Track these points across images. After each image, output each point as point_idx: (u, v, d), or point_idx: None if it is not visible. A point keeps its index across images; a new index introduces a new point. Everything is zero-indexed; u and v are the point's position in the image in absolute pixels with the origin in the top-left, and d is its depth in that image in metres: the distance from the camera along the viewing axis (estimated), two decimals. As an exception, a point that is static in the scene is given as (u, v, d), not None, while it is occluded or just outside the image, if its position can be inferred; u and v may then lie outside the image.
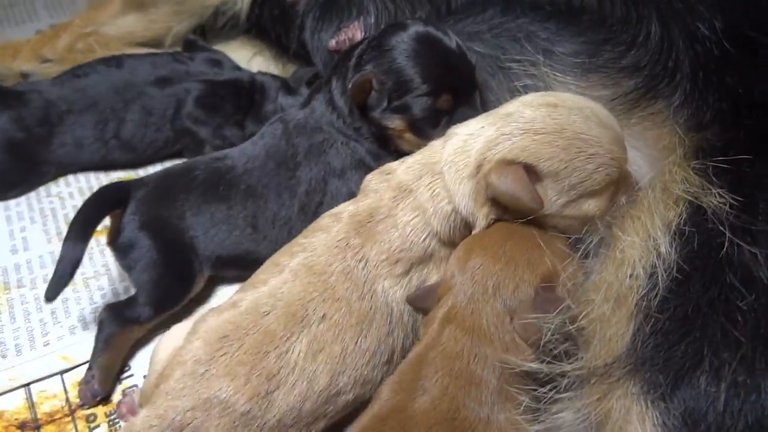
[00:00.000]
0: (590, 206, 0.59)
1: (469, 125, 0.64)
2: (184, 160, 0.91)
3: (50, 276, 0.80)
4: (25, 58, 1.05)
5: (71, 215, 0.90)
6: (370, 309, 0.58)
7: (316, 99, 0.79)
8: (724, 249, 0.45)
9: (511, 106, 0.63)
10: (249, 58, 1.14)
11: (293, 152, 0.77)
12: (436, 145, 0.66)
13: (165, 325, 0.70)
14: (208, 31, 1.15)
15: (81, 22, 1.10)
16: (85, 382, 0.68)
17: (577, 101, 0.62)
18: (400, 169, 0.65)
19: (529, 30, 0.76)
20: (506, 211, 0.60)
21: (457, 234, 0.62)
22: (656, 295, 0.45)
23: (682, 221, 0.48)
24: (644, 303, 0.46)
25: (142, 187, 0.75)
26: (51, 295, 0.68)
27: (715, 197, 0.48)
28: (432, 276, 0.61)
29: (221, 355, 0.55)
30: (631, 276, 0.47)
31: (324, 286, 0.59)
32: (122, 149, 0.93)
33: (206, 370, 0.54)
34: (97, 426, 0.66)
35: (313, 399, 0.55)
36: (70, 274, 0.68)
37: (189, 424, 0.51)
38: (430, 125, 0.73)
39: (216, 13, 1.11)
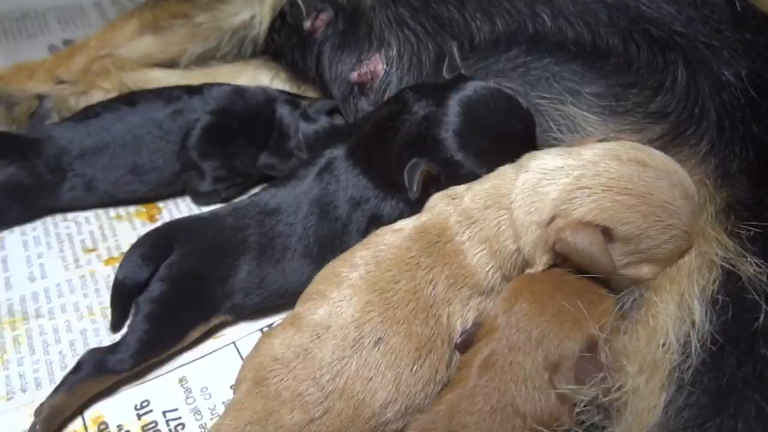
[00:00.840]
0: (648, 270, 0.58)
1: (545, 159, 0.60)
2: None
3: (68, 305, 0.82)
4: (41, 80, 1.05)
5: (88, 241, 0.92)
6: (432, 335, 0.57)
7: (349, 159, 0.77)
8: (759, 321, 0.45)
9: (596, 153, 0.59)
10: (268, 81, 1.14)
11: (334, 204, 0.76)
12: (506, 174, 0.62)
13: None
14: (226, 53, 1.15)
15: (96, 43, 1.10)
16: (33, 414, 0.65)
17: (666, 163, 0.59)
18: (467, 195, 0.63)
19: (554, 70, 0.76)
20: (567, 261, 0.59)
21: (518, 272, 0.61)
22: (689, 366, 0.45)
23: (716, 288, 0.48)
24: (677, 374, 0.46)
25: (191, 240, 0.74)
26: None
27: (751, 265, 0.48)
28: None
29: (273, 377, 0.55)
30: (664, 345, 0.47)
31: (385, 306, 0.57)
32: (132, 186, 0.92)
33: (259, 391, 0.55)
34: (120, 464, 0.66)
35: (360, 426, 0.54)
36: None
37: None
38: None
39: (232, 36, 1.12)
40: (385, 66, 0.85)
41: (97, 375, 0.69)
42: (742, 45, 0.70)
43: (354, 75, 0.87)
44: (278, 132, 0.96)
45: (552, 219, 0.57)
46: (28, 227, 0.92)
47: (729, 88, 0.66)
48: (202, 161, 0.93)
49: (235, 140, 0.94)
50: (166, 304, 0.72)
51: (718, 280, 0.49)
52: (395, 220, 0.68)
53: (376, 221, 0.73)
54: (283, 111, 0.97)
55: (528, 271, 0.59)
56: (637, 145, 0.61)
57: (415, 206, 0.70)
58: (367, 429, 0.54)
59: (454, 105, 0.69)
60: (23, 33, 1.42)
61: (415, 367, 0.55)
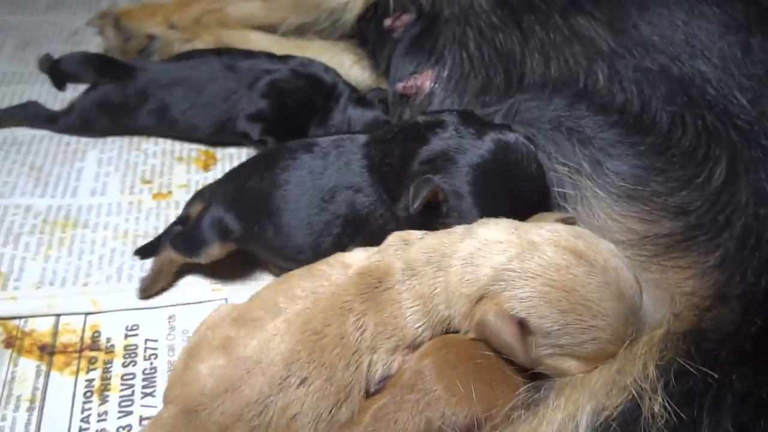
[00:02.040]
0: (570, 366, 0.55)
1: (490, 230, 0.59)
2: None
3: (110, 224, 0.95)
4: (156, 22, 1.18)
5: (147, 173, 1.04)
6: (350, 382, 0.57)
7: (375, 151, 0.78)
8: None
9: (539, 234, 0.57)
10: (349, 65, 1.19)
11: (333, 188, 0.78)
12: (455, 233, 0.62)
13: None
14: (321, 29, 1.21)
15: (212, -2, 1.21)
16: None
17: (608, 259, 0.55)
18: (417, 245, 0.63)
19: (587, 134, 0.72)
20: None
21: (453, 330, 0.60)
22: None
23: (613, 416, 0.46)
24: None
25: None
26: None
27: (658, 406, 0.44)
28: None
29: (201, 410, 0.58)
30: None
31: (314, 347, 0.58)
32: (194, 119, 1.03)
33: (187, 420, 0.58)
34: (95, 369, 0.77)
35: None
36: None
37: None
38: None
39: (329, 15, 1.17)
40: (432, 84, 0.86)
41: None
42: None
43: (399, 86, 0.89)
44: (335, 101, 1.02)
45: (480, 297, 0.56)
46: (107, 147, 1.07)
47: (772, 206, 0.60)
48: (258, 110, 1.01)
49: (294, 96, 1.02)
50: None
51: (620, 408, 0.46)
52: (372, 225, 0.72)
53: (356, 219, 0.75)
54: (344, 87, 1.03)
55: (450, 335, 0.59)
56: (586, 233, 0.57)
57: (399, 223, 0.72)
58: None
59: (488, 143, 0.69)
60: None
61: (333, 410, 0.56)
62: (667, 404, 0.45)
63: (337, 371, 0.57)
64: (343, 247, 0.73)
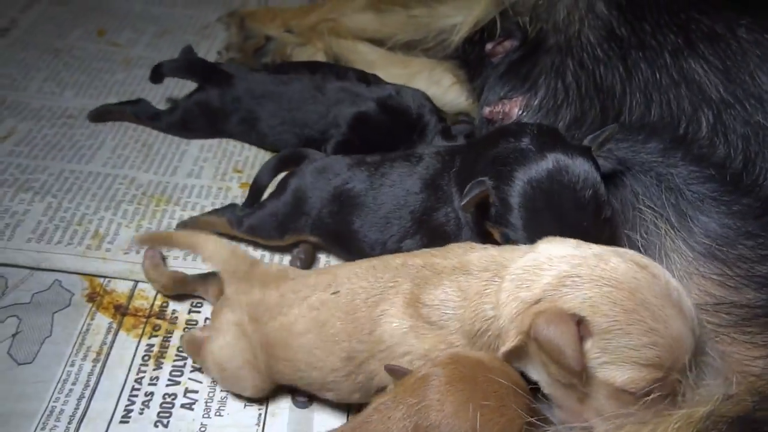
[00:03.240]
0: (621, 379, 0.53)
1: (558, 247, 0.60)
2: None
3: (198, 205, 1.02)
4: (276, 25, 1.26)
5: (240, 163, 1.10)
6: (362, 309, 0.65)
7: (450, 162, 0.81)
8: None
9: (604, 249, 0.58)
10: (448, 85, 1.19)
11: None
12: (518, 249, 0.64)
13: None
14: (428, 48, 1.23)
15: (330, 7, 1.27)
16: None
17: (669, 280, 0.56)
18: (477, 253, 0.65)
19: (677, 182, 0.67)
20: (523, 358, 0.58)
21: (482, 340, 0.60)
22: None
23: None
24: None
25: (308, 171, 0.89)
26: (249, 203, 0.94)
27: None
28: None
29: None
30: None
31: (360, 279, 0.67)
32: (283, 136, 1.07)
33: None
34: (156, 336, 0.83)
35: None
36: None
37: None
38: None
39: (438, 35, 1.18)
40: (520, 111, 0.84)
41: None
42: None
43: (486, 110, 0.87)
44: (419, 134, 1.02)
45: (538, 301, 0.56)
46: (209, 135, 1.15)
47: None
48: (344, 140, 1.03)
49: (378, 130, 1.03)
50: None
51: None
52: (434, 222, 0.76)
53: (423, 216, 0.79)
54: (431, 119, 1.02)
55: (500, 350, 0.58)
56: (649, 259, 0.57)
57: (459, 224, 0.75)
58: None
59: (548, 160, 0.67)
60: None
61: (340, 326, 0.65)
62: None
63: (358, 299, 0.65)
64: (403, 240, 0.80)
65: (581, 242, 0.60)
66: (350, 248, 0.86)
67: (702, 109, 0.71)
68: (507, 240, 0.70)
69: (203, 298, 0.88)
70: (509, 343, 0.57)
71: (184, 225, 0.95)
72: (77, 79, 1.27)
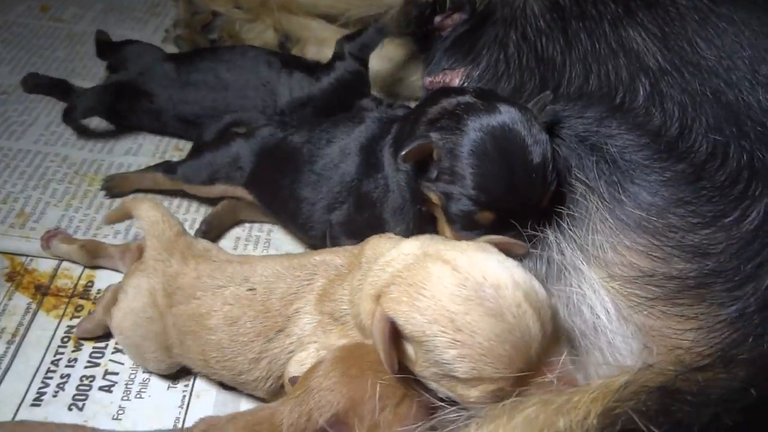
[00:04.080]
0: (464, 392, 0.50)
1: (412, 244, 0.58)
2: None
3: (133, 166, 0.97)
4: (224, 1, 1.21)
5: (182, 142, 1.06)
6: (276, 308, 0.63)
7: (386, 129, 0.78)
8: None
9: (437, 250, 0.55)
10: (401, 61, 1.16)
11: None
12: (391, 241, 0.63)
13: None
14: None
15: (280, -18, 1.22)
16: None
17: (489, 276, 0.51)
18: (371, 243, 0.64)
19: (612, 153, 0.64)
20: None
21: (366, 330, 0.58)
22: None
23: None
24: None
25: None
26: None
27: None
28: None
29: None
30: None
31: (277, 277, 0.65)
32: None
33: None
34: (78, 316, 0.79)
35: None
36: None
37: None
38: (462, 226, 0.66)
39: (387, 11, 1.14)
40: (460, 82, 0.81)
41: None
42: None
43: (427, 80, 0.84)
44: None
45: (378, 297, 0.54)
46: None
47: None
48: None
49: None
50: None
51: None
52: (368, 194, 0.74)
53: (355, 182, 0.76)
54: (368, 104, 0.99)
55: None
56: (482, 249, 0.54)
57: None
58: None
59: (504, 113, 0.63)
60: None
61: (254, 322, 0.63)
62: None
63: (273, 297, 0.64)
64: (332, 209, 0.78)
65: (435, 241, 0.58)
66: (279, 207, 0.84)
67: (639, 78, 0.68)
68: (448, 201, 0.65)
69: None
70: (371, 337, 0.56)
71: (110, 179, 0.94)
72: (15, 55, 1.21)
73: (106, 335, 0.76)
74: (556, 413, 0.41)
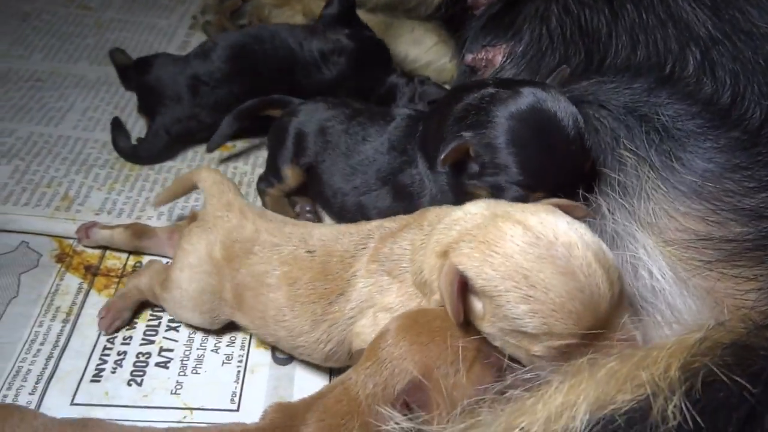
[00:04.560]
0: (530, 346, 0.51)
1: (477, 205, 0.60)
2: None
3: (176, 168, 0.98)
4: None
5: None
6: (336, 271, 0.64)
7: (417, 125, 0.78)
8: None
9: (506, 211, 0.56)
10: (430, 45, 1.17)
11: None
12: (458, 208, 0.62)
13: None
14: (409, 8, 1.20)
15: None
16: None
17: (561, 235, 0.52)
18: (434, 212, 0.65)
19: (663, 122, 0.64)
20: None
21: (427, 291, 0.60)
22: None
23: (621, 410, 0.39)
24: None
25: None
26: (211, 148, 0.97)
27: (672, 407, 0.38)
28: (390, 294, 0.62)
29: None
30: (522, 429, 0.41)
31: (334, 240, 0.67)
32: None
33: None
34: (130, 296, 0.80)
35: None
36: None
37: None
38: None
39: (414, -3, 1.15)
40: (503, 59, 0.81)
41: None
42: None
43: (469, 57, 0.85)
44: (388, 97, 1.00)
45: (444, 252, 0.56)
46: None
47: None
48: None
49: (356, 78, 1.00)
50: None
51: (631, 404, 0.40)
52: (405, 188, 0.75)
53: (390, 176, 0.77)
54: (399, 81, 1.01)
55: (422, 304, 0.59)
56: (550, 208, 0.55)
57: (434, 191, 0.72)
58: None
59: (527, 95, 0.64)
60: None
61: (313, 284, 0.64)
62: (684, 407, 0.38)
63: (332, 261, 0.65)
64: (364, 194, 0.79)
65: (500, 203, 0.59)
66: (314, 191, 0.86)
67: (689, 47, 0.68)
68: (499, 192, 0.66)
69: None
70: (435, 294, 0.57)
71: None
72: (47, 42, 1.22)
73: (157, 317, 0.78)
74: (636, 367, 0.42)
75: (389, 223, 0.67)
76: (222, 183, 0.74)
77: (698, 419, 0.38)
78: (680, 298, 0.56)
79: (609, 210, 0.65)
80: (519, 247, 0.51)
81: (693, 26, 0.69)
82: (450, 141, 0.65)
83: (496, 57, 0.82)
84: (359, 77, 1.01)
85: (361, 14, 1.21)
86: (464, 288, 0.54)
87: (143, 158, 0.98)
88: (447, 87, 1.08)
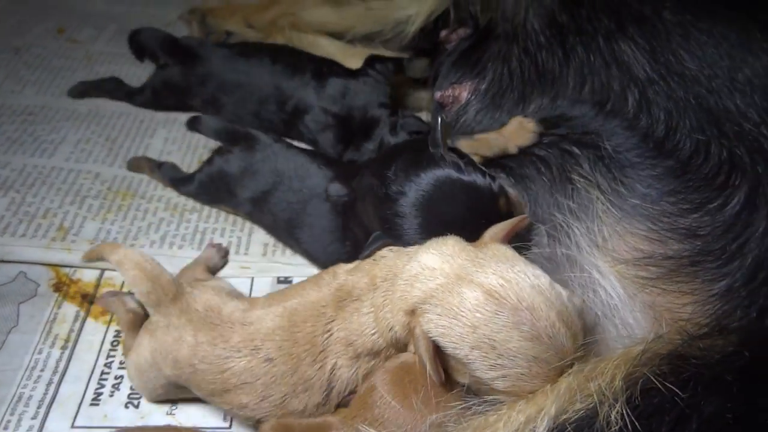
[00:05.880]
0: (500, 395, 0.55)
1: (429, 256, 0.61)
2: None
3: (166, 198, 1.03)
4: (236, 21, 1.28)
5: (206, 155, 1.11)
6: (313, 377, 0.63)
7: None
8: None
9: (462, 266, 0.58)
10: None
11: None
12: (406, 254, 0.65)
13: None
14: (387, 39, 1.27)
15: (289, 1, 1.30)
16: None
17: (524, 298, 0.54)
18: (382, 262, 0.66)
19: (609, 152, 0.72)
20: None
21: (399, 344, 0.63)
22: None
23: (571, 419, 0.45)
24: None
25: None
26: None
27: (615, 413, 0.44)
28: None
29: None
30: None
31: (289, 336, 0.64)
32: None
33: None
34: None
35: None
36: None
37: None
38: None
39: (395, 26, 1.22)
40: (469, 95, 0.88)
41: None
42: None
43: (438, 94, 0.92)
44: (366, 130, 1.05)
45: (412, 311, 0.58)
46: (174, 127, 1.17)
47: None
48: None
49: (327, 139, 1.07)
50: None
51: (580, 413, 0.46)
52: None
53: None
54: (380, 115, 1.06)
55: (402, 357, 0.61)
56: (504, 254, 0.58)
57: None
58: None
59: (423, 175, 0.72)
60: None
61: (286, 397, 0.63)
62: (625, 413, 0.44)
63: (302, 365, 0.63)
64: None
65: (458, 249, 0.60)
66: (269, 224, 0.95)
67: (629, 88, 0.76)
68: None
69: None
70: (410, 348, 0.60)
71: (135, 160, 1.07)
72: (38, 77, 1.27)
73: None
74: (586, 379, 0.49)
75: (328, 290, 0.66)
76: (153, 292, 0.70)
77: (636, 423, 0.44)
78: (630, 313, 0.63)
79: (565, 232, 0.72)
80: (484, 317, 0.53)
81: (633, 68, 0.76)
82: (372, 242, 0.70)
83: (462, 94, 0.89)
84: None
85: (340, 46, 1.29)
86: (437, 347, 0.57)
87: None
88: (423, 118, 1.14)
